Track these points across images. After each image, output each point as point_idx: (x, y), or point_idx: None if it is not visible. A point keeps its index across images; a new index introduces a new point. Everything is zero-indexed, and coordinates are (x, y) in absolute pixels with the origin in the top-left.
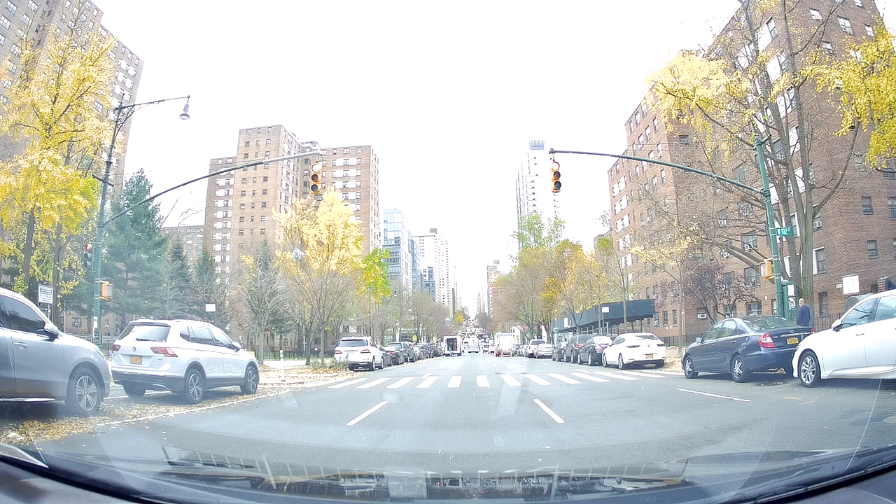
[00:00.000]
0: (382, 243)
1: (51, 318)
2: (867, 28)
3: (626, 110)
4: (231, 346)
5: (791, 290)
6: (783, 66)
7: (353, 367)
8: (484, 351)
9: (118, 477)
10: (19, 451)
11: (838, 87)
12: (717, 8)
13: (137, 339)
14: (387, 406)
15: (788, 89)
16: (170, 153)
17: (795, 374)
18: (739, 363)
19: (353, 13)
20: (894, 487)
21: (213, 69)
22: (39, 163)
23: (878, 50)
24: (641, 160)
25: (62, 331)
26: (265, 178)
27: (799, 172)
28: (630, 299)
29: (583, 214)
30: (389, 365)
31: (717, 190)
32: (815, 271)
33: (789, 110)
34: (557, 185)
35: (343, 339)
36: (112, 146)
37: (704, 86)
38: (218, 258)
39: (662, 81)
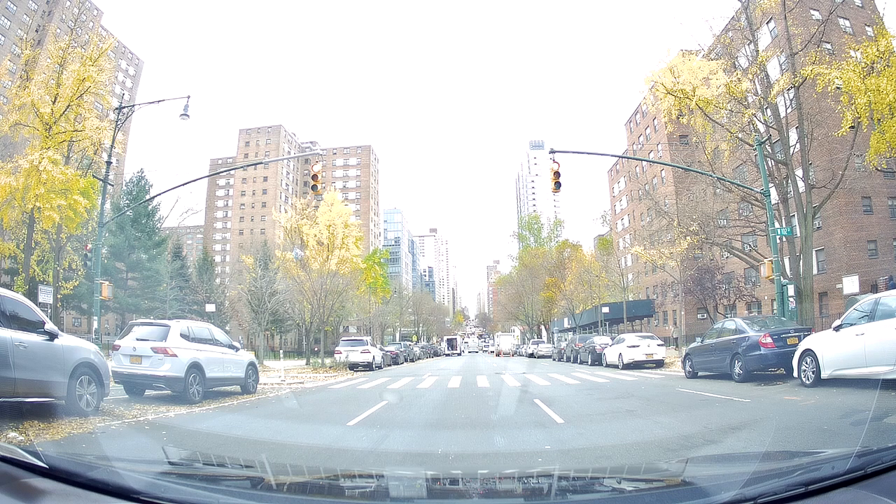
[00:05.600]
0: (382, 243)
1: (51, 318)
2: (867, 28)
3: (626, 110)
4: (231, 346)
5: (791, 290)
6: (783, 66)
7: (353, 367)
8: (484, 351)
9: (118, 477)
10: (19, 451)
11: (838, 87)
12: (717, 8)
13: (137, 339)
14: (387, 406)
15: (788, 89)
16: (170, 153)
17: (795, 374)
18: (739, 363)
19: (352, 13)
20: (894, 487)
21: (213, 69)
22: (39, 163)
23: (878, 50)
24: (641, 160)
25: (62, 331)
26: (265, 178)
27: (799, 172)
28: (630, 299)
29: (583, 214)
30: (389, 365)
31: (717, 190)
32: (815, 271)
33: (789, 110)
34: (557, 185)
35: (343, 339)
36: (112, 146)
37: (704, 86)
38: (218, 258)
39: (662, 81)
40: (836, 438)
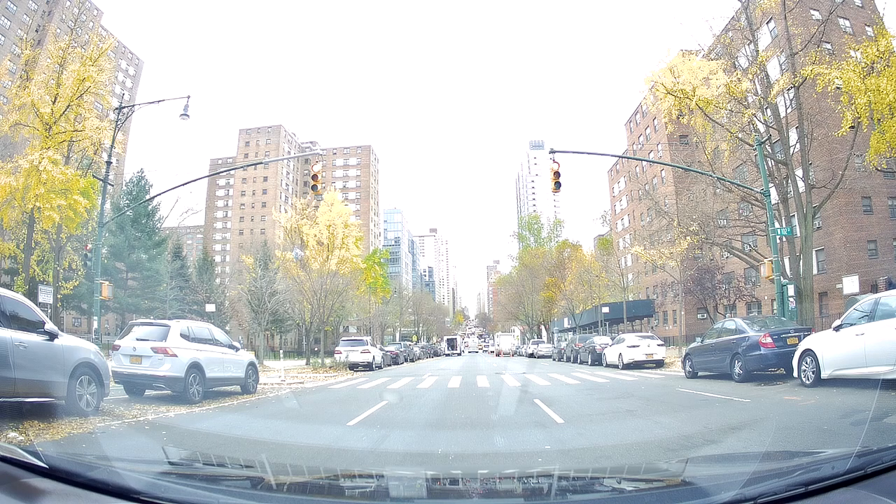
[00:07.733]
0: (382, 243)
1: (51, 318)
2: (867, 28)
3: (626, 110)
4: (231, 346)
5: (791, 290)
6: (783, 66)
7: (353, 367)
8: (484, 351)
9: (118, 477)
10: (19, 451)
11: (838, 87)
12: (717, 8)
13: (137, 339)
14: (387, 406)
15: (788, 89)
16: (170, 153)
17: (795, 374)
18: (739, 363)
19: (352, 13)
20: (894, 487)
21: (213, 69)
22: (39, 163)
23: (878, 50)
24: (641, 160)
25: (62, 331)
26: (265, 178)
27: (799, 172)
28: (630, 299)
29: (583, 214)
30: (389, 365)
31: (717, 190)
32: (815, 271)
33: (789, 110)
34: (557, 185)
35: (343, 339)
36: (112, 146)
37: (704, 86)
38: (218, 258)
39: (662, 81)
40: (836, 438)
